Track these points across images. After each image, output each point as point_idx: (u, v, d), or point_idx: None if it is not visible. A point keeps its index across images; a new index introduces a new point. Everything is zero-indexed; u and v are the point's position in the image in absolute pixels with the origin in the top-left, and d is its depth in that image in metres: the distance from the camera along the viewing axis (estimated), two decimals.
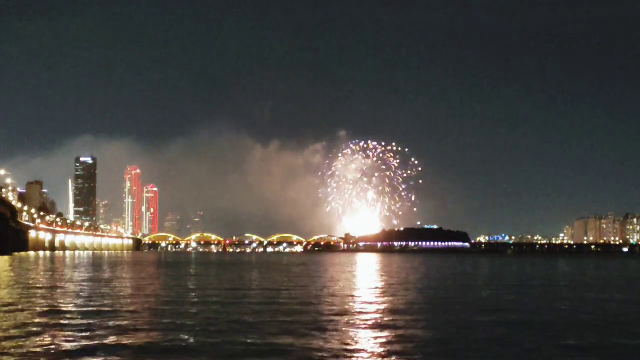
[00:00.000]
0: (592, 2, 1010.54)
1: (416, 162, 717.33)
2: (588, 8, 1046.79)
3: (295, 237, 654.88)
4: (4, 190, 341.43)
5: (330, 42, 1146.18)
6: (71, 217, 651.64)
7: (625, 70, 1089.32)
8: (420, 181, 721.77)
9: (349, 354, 26.58)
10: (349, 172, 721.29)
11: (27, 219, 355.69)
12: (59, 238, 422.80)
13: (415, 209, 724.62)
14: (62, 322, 35.74)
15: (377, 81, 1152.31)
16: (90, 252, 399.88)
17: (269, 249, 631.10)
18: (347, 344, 28.93)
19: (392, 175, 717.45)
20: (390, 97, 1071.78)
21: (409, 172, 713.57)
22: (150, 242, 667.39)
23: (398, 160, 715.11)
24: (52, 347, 27.80)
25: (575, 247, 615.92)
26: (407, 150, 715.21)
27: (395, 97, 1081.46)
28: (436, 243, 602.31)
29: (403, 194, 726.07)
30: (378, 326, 34.94)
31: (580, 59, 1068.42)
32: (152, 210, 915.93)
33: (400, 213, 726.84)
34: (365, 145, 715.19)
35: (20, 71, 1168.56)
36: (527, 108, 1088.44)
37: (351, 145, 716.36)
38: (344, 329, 33.82)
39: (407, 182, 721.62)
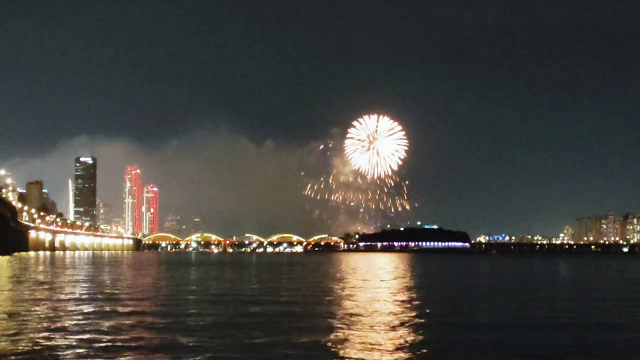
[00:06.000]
0: (592, 2, 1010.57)
1: (415, 162, 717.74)
2: (588, 8, 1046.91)
3: (295, 237, 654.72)
4: (4, 190, 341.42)
5: (329, 41, 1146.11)
6: (71, 217, 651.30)
7: (625, 70, 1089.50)
8: (420, 181, 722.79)
9: None
10: (347, 171, 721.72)
11: (27, 219, 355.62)
12: (59, 238, 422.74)
13: (414, 209, 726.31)
14: (63, 325, 35.85)
15: (375, 80, 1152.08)
16: (90, 252, 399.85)
17: (269, 249, 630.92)
18: None
19: (391, 174, 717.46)
20: (389, 96, 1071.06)
21: (407, 171, 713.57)
22: (150, 242, 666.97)
23: (396, 159, 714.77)
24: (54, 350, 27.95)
25: (575, 247, 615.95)
26: (406, 149, 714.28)
27: (394, 96, 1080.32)
28: (436, 243, 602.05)
29: (402, 193, 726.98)
30: None
31: (580, 59, 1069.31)
32: (152, 210, 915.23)
33: (400, 211, 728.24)
34: (363, 144, 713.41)
35: (20, 71, 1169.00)
36: (527, 108, 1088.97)
37: (349, 144, 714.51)
38: None
39: (406, 181, 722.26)
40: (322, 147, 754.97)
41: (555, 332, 33.88)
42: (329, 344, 29.33)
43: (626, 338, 32.55)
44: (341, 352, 27.27)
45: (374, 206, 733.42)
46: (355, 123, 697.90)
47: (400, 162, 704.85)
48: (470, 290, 69.34)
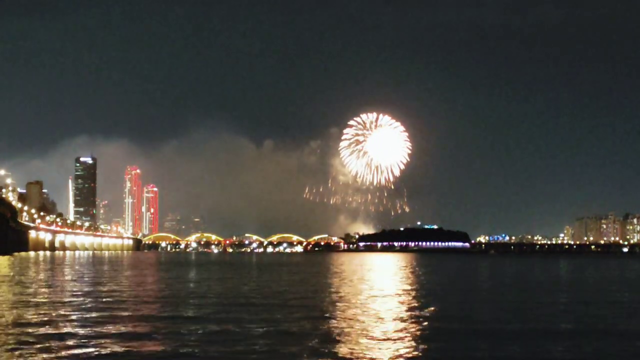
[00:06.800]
0: (592, 2, 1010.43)
1: (415, 162, 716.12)
2: (588, 8, 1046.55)
3: (295, 237, 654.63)
4: (4, 190, 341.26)
5: (329, 41, 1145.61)
6: (71, 217, 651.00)
7: (625, 70, 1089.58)
8: (420, 181, 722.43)
9: None
10: (346, 171, 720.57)
11: (27, 219, 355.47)
12: (59, 238, 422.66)
13: (414, 208, 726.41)
14: (64, 331, 35.70)
15: (374, 80, 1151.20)
16: (90, 252, 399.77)
17: (269, 249, 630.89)
18: None
19: (392, 179, 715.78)
20: (388, 96, 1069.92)
21: (407, 171, 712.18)
22: (150, 242, 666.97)
23: (397, 163, 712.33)
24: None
25: (575, 247, 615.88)
26: (409, 152, 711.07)
27: (394, 96, 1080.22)
28: (436, 243, 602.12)
29: (402, 195, 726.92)
30: None
31: (580, 59, 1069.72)
32: (152, 210, 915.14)
33: (400, 213, 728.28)
34: (362, 144, 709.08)
35: (20, 71, 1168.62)
36: (527, 108, 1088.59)
37: (343, 146, 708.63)
38: None
39: (406, 181, 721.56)
40: (318, 150, 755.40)
41: (557, 340, 33.60)
42: (320, 351, 29.16)
43: (627, 346, 32.18)
44: None
45: (373, 209, 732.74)
46: (353, 122, 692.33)
47: (402, 166, 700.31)
48: (469, 292, 69.11)
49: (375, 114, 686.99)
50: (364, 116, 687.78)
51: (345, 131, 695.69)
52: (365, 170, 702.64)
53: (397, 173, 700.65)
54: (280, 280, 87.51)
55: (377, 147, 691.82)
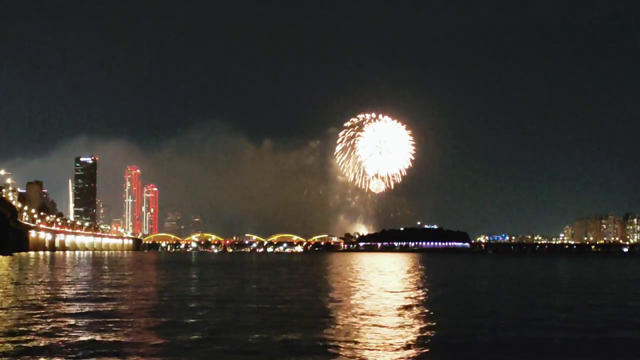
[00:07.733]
0: (593, 2, 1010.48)
1: (415, 162, 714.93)
2: (588, 8, 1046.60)
3: (295, 237, 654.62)
4: (4, 190, 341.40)
5: (328, 41, 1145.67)
6: (71, 217, 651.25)
7: (625, 70, 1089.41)
8: (420, 180, 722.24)
9: None
10: (345, 171, 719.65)
11: (27, 219, 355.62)
12: (59, 238, 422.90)
13: (414, 208, 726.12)
14: (55, 327, 35.63)
15: (374, 80, 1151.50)
16: (90, 252, 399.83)
17: (269, 249, 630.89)
18: None
19: (390, 173, 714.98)
20: (388, 96, 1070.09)
21: (407, 171, 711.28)
22: (150, 242, 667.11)
23: (399, 168, 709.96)
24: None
25: (575, 247, 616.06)
26: (408, 153, 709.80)
27: (393, 96, 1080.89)
28: (436, 243, 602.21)
29: (401, 193, 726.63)
30: None
31: (580, 59, 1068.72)
32: (152, 210, 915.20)
33: (399, 212, 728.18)
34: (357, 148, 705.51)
35: (20, 71, 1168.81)
36: (528, 108, 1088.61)
37: (342, 147, 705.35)
38: None
39: (406, 181, 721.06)
40: (318, 151, 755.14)
41: (556, 346, 33.49)
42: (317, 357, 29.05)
43: (628, 353, 31.75)
44: None
45: (373, 209, 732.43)
46: (349, 124, 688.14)
47: (403, 172, 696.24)
48: (467, 294, 68.96)
49: (374, 114, 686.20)
50: (361, 116, 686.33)
51: (340, 134, 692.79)
52: (364, 177, 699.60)
53: (398, 180, 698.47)
54: (281, 280, 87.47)
55: (376, 152, 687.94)
